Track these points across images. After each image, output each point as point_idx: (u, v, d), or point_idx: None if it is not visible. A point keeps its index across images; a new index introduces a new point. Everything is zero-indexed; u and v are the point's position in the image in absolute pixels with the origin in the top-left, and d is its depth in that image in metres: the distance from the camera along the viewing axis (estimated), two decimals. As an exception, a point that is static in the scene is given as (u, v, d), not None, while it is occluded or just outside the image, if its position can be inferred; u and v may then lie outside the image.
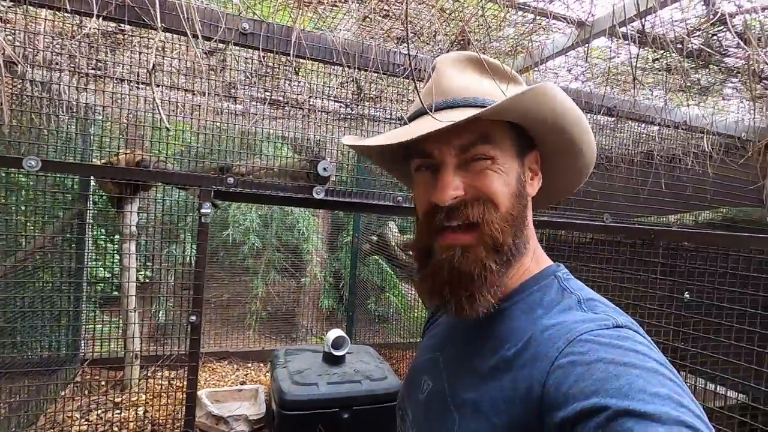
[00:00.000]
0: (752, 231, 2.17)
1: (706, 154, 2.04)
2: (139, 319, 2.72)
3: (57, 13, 1.33)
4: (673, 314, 1.49)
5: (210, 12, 1.39)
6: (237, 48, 1.50)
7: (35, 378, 2.00)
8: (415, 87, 0.65)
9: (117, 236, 3.30)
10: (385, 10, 1.34)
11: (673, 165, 2.12)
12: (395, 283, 4.15)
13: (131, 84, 1.67)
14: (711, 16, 1.17)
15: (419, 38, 1.45)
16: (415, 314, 3.64)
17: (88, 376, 2.79)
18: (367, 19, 1.40)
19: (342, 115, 2.15)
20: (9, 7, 1.41)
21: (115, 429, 2.34)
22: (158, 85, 1.73)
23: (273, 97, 1.85)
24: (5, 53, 1.23)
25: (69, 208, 2.52)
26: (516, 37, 1.51)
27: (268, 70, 1.68)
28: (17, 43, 1.45)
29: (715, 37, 1.36)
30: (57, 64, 1.55)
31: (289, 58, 1.49)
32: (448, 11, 1.32)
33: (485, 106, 0.56)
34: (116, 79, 1.65)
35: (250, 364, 3.88)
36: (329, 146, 1.81)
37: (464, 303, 0.57)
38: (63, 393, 2.54)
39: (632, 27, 1.23)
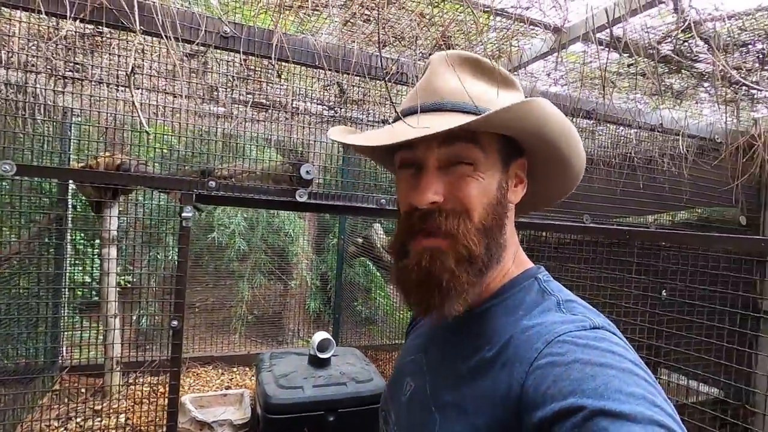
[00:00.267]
0: (726, 231, 2.23)
1: (682, 156, 2.10)
2: (120, 325, 2.68)
3: (33, 14, 1.31)
4: (648, 312, 1.53)
5: (190, 15, 1.39)
6: (218, 51, 1.50)
7: (12, 387, 1.95)
8: (389, 94, 0.65)
9: (97, 241, 3.24)
10: (366, 14, 1.35)
11: (650, 167, 2.18)
12: (381, 284, 4.16)
13: (110, 87, 1.65)
14: (681, 24, 1.21)
15: (400, 42, 1.47)
16: (401, 316, 3.65)
17: (67, 384, 2.73)
18: (349, 23, 1.41)
19: (326, 118, 2.16)
20: (-18, 8, 1.38)
21: (96, 437, 2.29)
22: (138, 88, 1.71)
23: (255, 100, 1.85)
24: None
25: (47, 212, 2.47)
26: (496, 41, 1.54)
27: (250, 73, 1.67)
28: (-9, 45, 1.42)
29: (685, 44, 1.40)
30: (33, 66, 1.52)
31: (271, 61, 1.50)
32: (427, 16, 1.34)
33: (473, 112, 0.57)
34: (95, 81, 1.62)
35: (235, 369, 3.84)
36: (313, 149, 1.81)
37: (431, 306, 0.58)
38: (41, 402, 2.48)
39: (606, 33, 1.27)
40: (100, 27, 1.40)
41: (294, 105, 1.89)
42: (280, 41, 1.43)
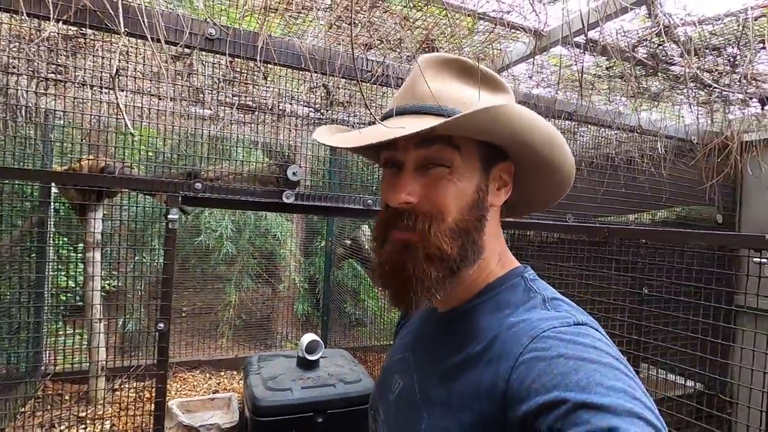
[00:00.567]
0: (703, 228, 2.30)
1: (660, 156, 2.16)
2: (105, 330, 2.64)
3: (14, 15, 1.29)
4: (631, 308, 1.57)
5: (175, 17, 1.39)
6: (204, 53, 1.50)
7: (-8, 394, 1.91)
8: (363, 97, 0.66)
9: (81, 244, 3.19)
10: (350, 18, 1.37)
11: (630, 167, 2.23)
12: (370, 286, 4.17)
13: (94, 89, 1.63)
14: (655, 28, 1.25)
15: (385, 45, 1.49)
16: (390, 317, 3.67)
17: (50, 391, 2.68)
18: (334, 26, 1.42)
19: (312, 120, 2.17)
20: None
21: (80, 444, 2.25)
22: (122, 90, 1.70)
23: (242, 102, 1.85)
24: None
25: (29, 216, 2.43)
26: (479, 44, 1.57)
27: (236, 75, 1.68)
28: (-29, 46, 1.40)
29: (661, 47, 1.45)
30: (14, 67, 1.51)
31: (256, 63, 1.50)
32: (411, 20, 1.36)
33: (452, 116, 0.57)
34: (78, 83, 1.61)
35: (222, 373, 3.81)
36: (300, 150, 1.82)
37: (399, 298, 0.60)
38: (23, 409, 2.43)
39: (584, 37, 1.30)
40: (84, 29, 1.39)
41: (280, 107, 1.90)
42: (266, 43, 1.44)
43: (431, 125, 0.54)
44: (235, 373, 3.81)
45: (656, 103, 2.03)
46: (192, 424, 2.47)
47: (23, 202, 2.40)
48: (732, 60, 1.44)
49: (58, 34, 1.44)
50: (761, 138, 2.27)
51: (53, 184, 2.31)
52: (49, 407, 2.47)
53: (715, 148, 2.24)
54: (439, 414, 0.57)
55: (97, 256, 2.60)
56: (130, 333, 3.30)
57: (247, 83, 1.69)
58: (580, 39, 1.36)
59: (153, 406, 1.45)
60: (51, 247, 2.74)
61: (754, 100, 1.85)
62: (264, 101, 1.84)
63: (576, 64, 1.69)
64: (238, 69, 1.67)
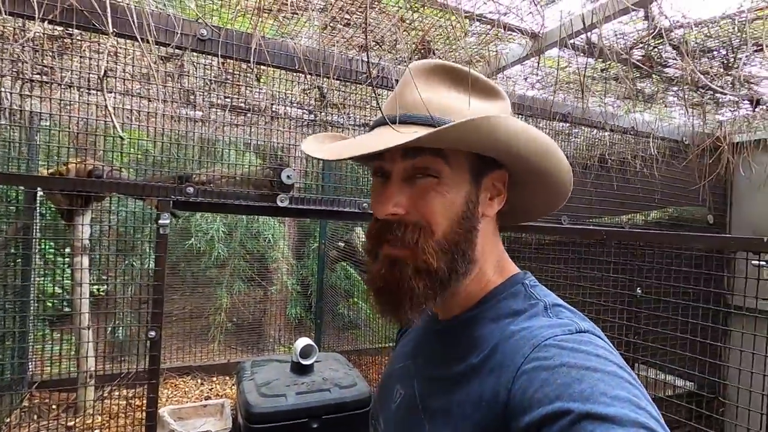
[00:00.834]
0: (695, 229, 2.32)
1: (653, 157, 2.17)
2: (93, 337, 2.58)
3: (-3, 15, 1.25)
4: (625, 309, 1.58)
5: (166, 17, 1.35)
6: (195, 54, 1.47)
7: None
8: (376, 99, 0.64)
9: (67, 250, 3.12)
10: (346, 18, 1.35)
11: (623, 168, 2.25)
12: (363, 289, 4.14)
13: (81, 90, 1.59)
14: (652, 30, 1.25)
15: (380, 47, 1.47)
16: (383, 320, 3.65)
17: (36, 400, 2.61)
18: (329, 27, 1.40)
19: (305, 122, 2.14)
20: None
21: (68, 455, 2.19)
22: (111, 92, 1.66)
23: (234, 104, 1.82)
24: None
25: (13, 221, 2.36)
26: (475, 46, 1.56)
27: (228, 77, 1.65)
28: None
29: (656, 50, 1.46)
30: (-2, 69, 1.46)
31: (249, 64, 1.47)
32: (408, 21, 1.35)
33: (440, 125, 0.55)
34: (64, 85, 1.57)
35: (215, 378, 3.75)
36: (293, 153, 1.79)
37: (389, 312, 0.61)
38: (8, 420, 2.37)
39: (581, 39, 1.30)
40: (70, 29, 1.35)
41: (273, 109, 1.87)
42: (259, 44, 1.41)
43: (417, 135, 0.52)
44: (227, 378, 3.76)
45: (650, 104, 2.04)
46: (184, 432, 2.43)
47: (8, 207, 2.34)
48: (725, 62, 1.45)
49: (43, 34, 1.40)
50: (752, 139, 2.30)
51: (39, 188, 2.26)
52: (35, 417, 2.41)
53: (706, 149, 2.26)
54: (441, 424, 0.57)
55: (85, 261, 2.54)
56: (120, 340, 3.24)
57: (239, 85, 1.66)
58: (577, 41, 1.36)
59: (144, 415, 1.42)
60: (37, 253, 2.68)
61: (745, 101, 1.87)
62: (257, 103, 1.81)
63: (570, 66, 1.69)
64: (231, 70, 1.64)
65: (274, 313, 4.76)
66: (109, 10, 1.19)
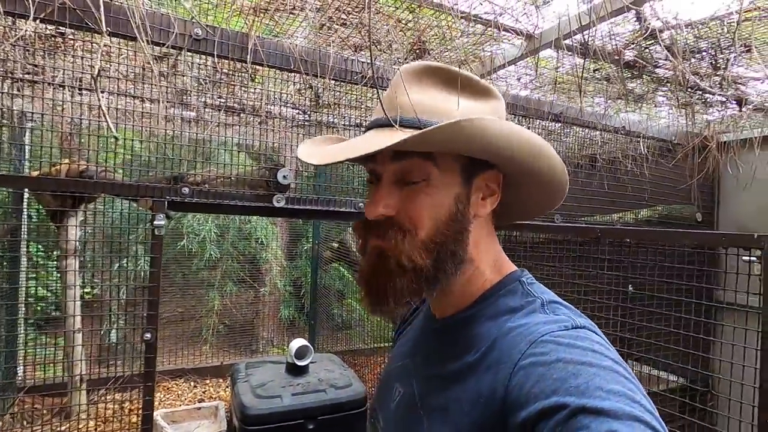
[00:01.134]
0: (684, 227, 2.37)
1: (643, 156, 2.21)
2: (84, 340, 2.54)
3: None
4: (620, 306, 1.60)
5: (160, 16, 1.34)
6: (190, 54, 1.46)
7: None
8: (379, 99, 0.64)
9: (56, 252, 3.06)
10: (342, 18, 1.35)
11: (614, 167, 2.28)
12: (357, 289, 4.13)
13: (72, 90, 1.57)
14: (643, 31, 1.27)
15: (377, 47, 1.48)
16: (378, 319, 3.65)
17: (26, 405, 2.56)
18: (324, 27, 1.40)
19: (299, 122, 2.13)
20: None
21: (60, 460, 2.15)
22: (104, 91, 1.64)
23: (228, 104, 1.80)
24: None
25: (1, 223, 2.32)
26: (470, 46, 1.57)
27: (223, 77, 1.64)
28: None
29: (647, 50, 1.48)
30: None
31: (243, 64, 1.47)
32: (404, 21, 1.35)
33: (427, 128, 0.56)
34: (55, 84, 1.54)
35: (208, 381, 3.72)
36: (288, 153, 1.79)
37: (371, 303, 0.61)
38: (-3, 426, 2.32)
39: (575, 39, 1.32)
40: (62, 27, 1.33)
41: (268, 109, 1.86)
42: (255, 44, 1.40)
43: (404, 138, 0.53)
44: (220, 380, 3.73)
45: (640, 104, 2.08)
46: (178, 436, 2.40)
47: (-5, 209, 2.30)
48: (714, 63, 1.48)
49: (35, 32, 1.37)
50: (738, 138, 2.35)
51: (27, 189, 2.21)
52: (25, 422, 2.36)
53: (695, 148, 2.31)
54: (440, 421, 0.57)
55: (75, 264, 2.50)
56: (113, 343, 3.19)
57: (233, 84, 1.65)
58: (570, 42, 1.38)
59: (140, 419, 1.40)
60: (25, 256, 2.63)
61: (733, 101, 1.91)
62: (251, 103, 1.80)
63: (563, 66, 1.71)
64: (225, 70, 1.63)
65: (267, 315, 4.73)
66: (102, 8, 1.18)
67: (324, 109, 1.87)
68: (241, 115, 1.84)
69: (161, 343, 3.99)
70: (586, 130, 2.23)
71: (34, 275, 2.96)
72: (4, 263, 2.44)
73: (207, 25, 1.38)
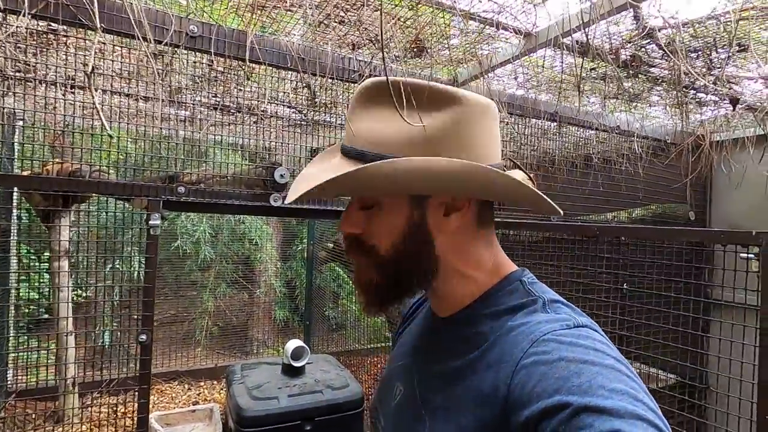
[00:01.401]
0: (678, 225, 2.39)
1: (637, 155, 2.23)
2: (75, 343, 2.50)
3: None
4: (618, 304, 1.61)
5: (155, 13, 1.32)
6: (185, 51, 1.44)
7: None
8: (393, 98, 0.62)
9: (46, 254, 3.01)
10: (340, 16, 1.34)
11: (609, 166, 2.29)
12: (352, 289, 4.12)
13: (64, 88, 1.54)
14: (641, 30, 1.28)
15: (374, 45, 1.47)
16: (373, 320, 3.64)
17: (16, 410, 2.51)
18: (322, 24, 1.39)
19: (295, 121, 2.12)
20: None
21: (51, 466, 2.12)
22: (97, 89, 1.61)
23: (223, 103, 1.79)
24: None
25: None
26: (466, 45, 1.57)
27: (218, 75, 1.62)
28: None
29: (643, 49, 1.49)
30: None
31: (238, 62, 1.45)
32: (402, 19, 1.35)
33: (371, 160, 0.55)
34: (46, 82, 1.51)
35: (202, 383, 3.68)
36: (284, 152, 1.77)
37: (366, 306, 0.66)
38: (-14, 431, 2.27)
39: (572, 38, 1.32)
40: (54, 24, 1.31)
41: (262, 108, 1.85)
42: (252, 42, 1.39)
43: (317, 184, 0.54)
44: (215, 382, 3.69)
45: (635, 104, 2.09)
46: (172, 439, 2.37)
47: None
48: (709, 62, 1.49)
49: (26, 29, 1.35)
50: (730, 138, 2.38)
51: (16, 189, 2.17)
52: (15, 427, 2.32)
53: (688, 147, 2.33)
54: (441, 419, 0.57)
55: (65, 265, 2.46)
56: (105, 345, 3.14)
57: (229, 83, 1.63)
58: (567, 40, 1.38)
59: (131, 422, 1.38)
60: (14, 257, 2.58)
61: (726, 101, 1.93)
62: (247, 102, 1.79)
63: (558, 65, 1.72)
64: (221, 68, 1.61)
65: (261, 316, 4.70)
66: (96, 4, 1.16)
67: (320, 107, 1.86)
68: (237, 114, 1.82)
69: (154, 345, 3.94)
70: (582, 130, 2.24)
71: (25, 277, 2.90)
72: (-7, 265, 2.39)
73: (203, 22, 1.36)
